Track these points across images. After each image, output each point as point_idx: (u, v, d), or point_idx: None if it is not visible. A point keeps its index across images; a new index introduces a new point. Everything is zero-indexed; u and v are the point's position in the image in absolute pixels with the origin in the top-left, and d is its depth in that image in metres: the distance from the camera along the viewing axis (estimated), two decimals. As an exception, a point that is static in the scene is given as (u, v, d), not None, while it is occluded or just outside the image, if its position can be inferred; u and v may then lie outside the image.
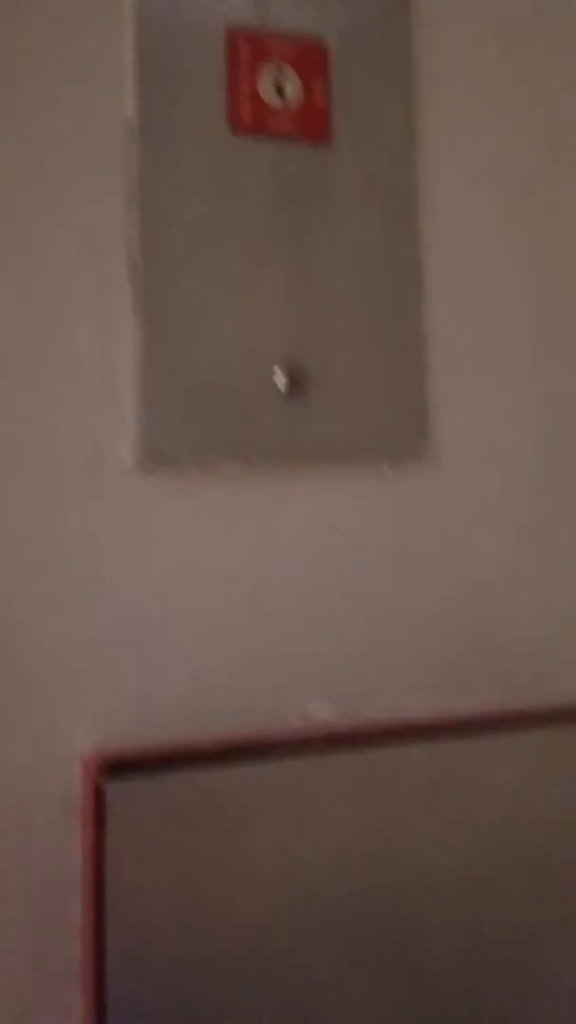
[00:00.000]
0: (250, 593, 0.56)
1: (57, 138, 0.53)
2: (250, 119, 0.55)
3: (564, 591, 0.63)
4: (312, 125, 0.57)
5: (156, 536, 0.54)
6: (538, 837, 0.58)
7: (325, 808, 0.54)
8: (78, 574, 0.53)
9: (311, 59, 0.57)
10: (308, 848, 0.53)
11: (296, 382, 0.56)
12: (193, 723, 0.54)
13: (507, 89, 0.64)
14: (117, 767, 0.50)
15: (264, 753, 0.53)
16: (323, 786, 0.54)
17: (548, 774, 0.59)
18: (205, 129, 0.55)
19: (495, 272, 0.62)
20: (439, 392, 0.60)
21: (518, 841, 0.58)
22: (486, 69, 0.63)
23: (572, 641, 0.63)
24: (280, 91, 0.56)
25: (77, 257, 0.53)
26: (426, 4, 0.61)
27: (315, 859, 0.53)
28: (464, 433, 0.61)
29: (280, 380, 0.55)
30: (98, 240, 0.54)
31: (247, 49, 0.55)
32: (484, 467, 0.61)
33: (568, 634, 0.63)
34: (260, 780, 0.53)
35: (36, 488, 0.52)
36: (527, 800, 0.58)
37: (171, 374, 0.54)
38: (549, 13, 0.65)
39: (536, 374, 0.63)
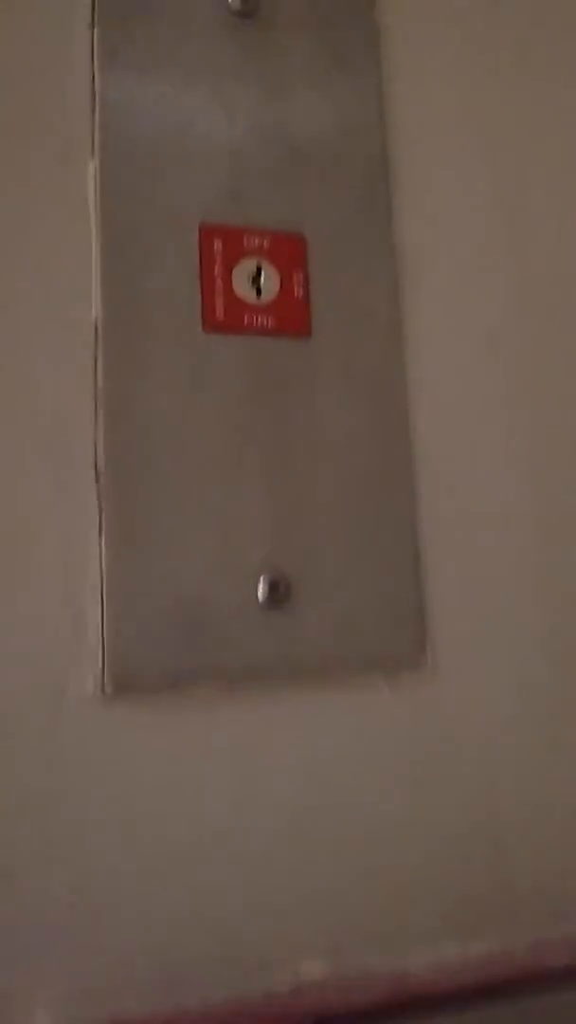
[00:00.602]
0: (231, 835, 0.49)
1: (18, 340, 0.50)
2: (224, 317, 0.52)
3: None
4: (291, 319, 0.54)
5: (123, 774, 0.48)
6: None
7: None
8: (34, 821, 0.46)
9: (288, 252, 0.54)
10: None
11: (279, 592, 0.50)
12: (167, 992, 0.46)
13: (494, 265, 0.61)
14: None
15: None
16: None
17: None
18: (176, 328, 0.51)
19: (490, 464, 0.58)
20: (435, 596, 0.55)
21: None
22: (473, 249, 0.61)
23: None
24: (256, 286, 0.53)
25: (38, 464, 0.49)
26: (406, 187, 0.59)
27: None
28: (464, 639, 0.55)
29: (261, 590, 0.50)
30: (61, 446, 0.49)
31: (221, 244, 0.53)
32: (488, 674, 0.55)
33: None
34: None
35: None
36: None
37: (140, 588, 0.49)
38: (528, 184, 0.63)
39: (538, 570, 0.58)
